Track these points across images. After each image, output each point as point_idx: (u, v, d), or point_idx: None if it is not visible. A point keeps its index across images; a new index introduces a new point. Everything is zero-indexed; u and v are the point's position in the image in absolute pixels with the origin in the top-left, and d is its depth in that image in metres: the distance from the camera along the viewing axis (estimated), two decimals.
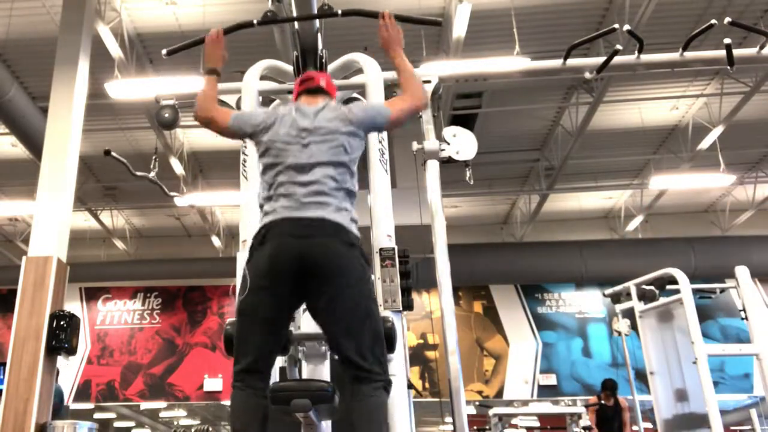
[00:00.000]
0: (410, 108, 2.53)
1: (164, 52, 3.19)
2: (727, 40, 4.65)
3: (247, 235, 3.30)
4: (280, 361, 3.51)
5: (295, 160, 2.37)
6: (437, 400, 10.65)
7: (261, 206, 2.41)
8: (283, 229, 2.26)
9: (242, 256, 3.12)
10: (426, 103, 2.60)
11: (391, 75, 4.49)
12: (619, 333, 7.27)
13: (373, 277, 2.36)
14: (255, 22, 3.14)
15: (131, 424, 19.67)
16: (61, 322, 5.67)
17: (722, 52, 4.70)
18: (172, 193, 6.80)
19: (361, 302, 2.24)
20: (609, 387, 7.94)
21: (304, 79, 2.65)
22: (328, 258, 2.21)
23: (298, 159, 2.37)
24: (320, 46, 4.03)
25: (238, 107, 4.08)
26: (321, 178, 2.33)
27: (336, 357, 2.31)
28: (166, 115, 5.11)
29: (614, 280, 7.64)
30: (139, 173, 5.77)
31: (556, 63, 5.05)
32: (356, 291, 2.23)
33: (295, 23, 3.89)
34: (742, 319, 5.67)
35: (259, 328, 2.25)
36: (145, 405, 14.86)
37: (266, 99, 4.21)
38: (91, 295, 13.52)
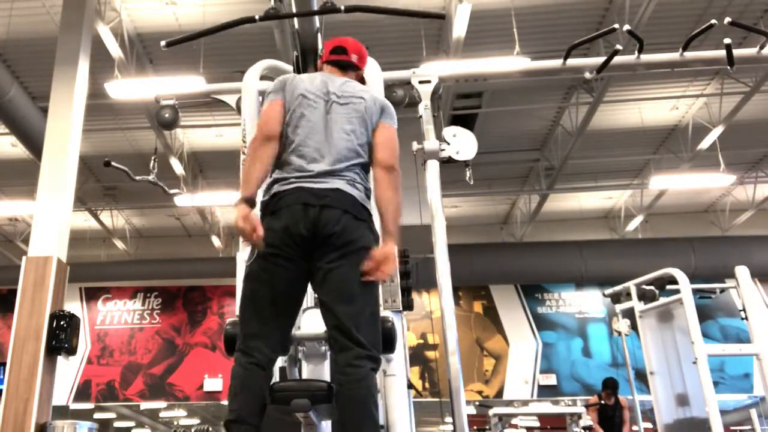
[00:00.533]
0: (393, 154, 2.35)
1: (163, 43, 3.18)
2: (727, 40, 4.65)
3: None
4: (279, 361, 3.51)
5: (317, 120, 2.31)
6: (437, 400, 10.66)
7: (274, 165, 2.30)
8: (297, 198, 2.18)
9: (242, 256, 3.12)
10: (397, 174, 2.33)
11: (391, 75, 4.50)
12: (619, 333, 7.26)
13: None
14: (257, 17, 3.13)
15: (131, 424, 19.67)
16: (61, 322, 5.67)
17: (722, 52, 4.70)
18: (173, 191, 6.79)
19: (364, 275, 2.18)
20: (610, 386, 7.93)
21: (336, 48, 2.55)
22: (341, 228, 2.15)
23: (321, 120, 2.31)
24: (320, 46, 4.03)
25: (238, 107, 4.07)
26: (339, 146, 2.27)
27: (328, 329, 2.19)
28: (166, 115, 5.11)
29: (614, 280, 7.65)
30: (138, 177, 5.77)
31: (556, 63, 5.05)
32: (361, 264, 2.16)
33: (296, 23, 3.89)
34: (742, 319, 5.67)
35: (268, 294, 2.17)
36: (145, 405, 14.86)
37: None
38: (91, 295, 13.52)
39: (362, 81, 2.64)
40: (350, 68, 2.54)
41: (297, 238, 2.14)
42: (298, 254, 2.16)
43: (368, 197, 2.29)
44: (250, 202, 2.21)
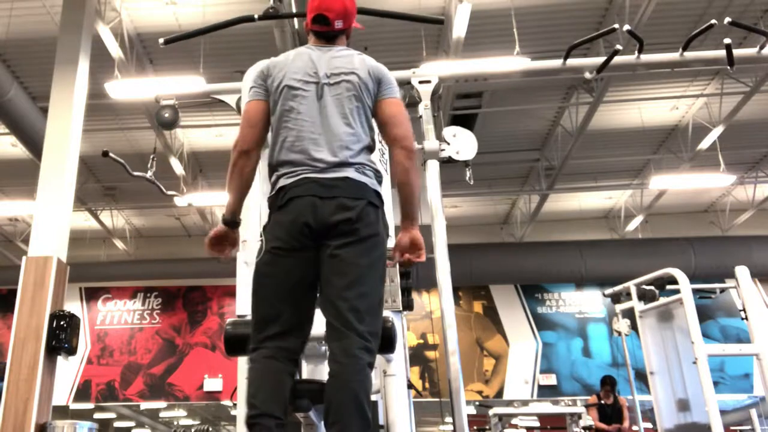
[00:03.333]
0: (407, 130, 2.22)
1: (162, 41, 3.18)
2: (727, 40, 4.65)
3: (247, 235, 3.29)
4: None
5: (308, 110, 2.16)
6: (437, 400, 10.65)
7: (272, 165, 2.18)
8: (305, 189, 2.07)
9: (242, 257, 3.12)
10: (412, 147, 2.20)
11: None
12: (619, 333, 7.26)
13: (387, 244, 2.14)
14: (256, 17, 3.13)
15: (131, 424, 19.67)
16: (61, 322, 5.67)
17: (722, 52, 4.70)
18: (170, 193, 6.79)
19: (375, 263, 2.08)
20: (608, 383, 7.93)
21: (317, 17, 2.30)
22: (354, 215, 2.04)
23: (313, 107, 2.17)
24: None
25: (238, 107, 4.07)
26: (339, 132, 2.13)
27: (326, 317, 2.07)
28: (166, 115, 5.11)
29: (614, 280, 7.65)
30: (136, 173, 5.77)
31: (556, 63, 5.05)
32: (373, 251, 2.07)
33: (296, 23, 3.89)
34: (742, 319, 5.67)
35: (280, 288, 2.06)
36: (145, 405, 14.87)
37: None
38: (91, 295, 13.52)
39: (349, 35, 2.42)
40: (337, 37, 2.34)
41: (305, 229, 2.03)
42: (307, 245, 2.05)
43: (379, 181, 2.19)
44: (229, 223, 2.22)
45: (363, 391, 1.94)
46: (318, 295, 2.11)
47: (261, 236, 2.15)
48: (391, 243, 2.27)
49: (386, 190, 3.42)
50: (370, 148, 2.21)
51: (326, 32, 2.31)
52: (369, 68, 2.24)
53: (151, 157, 5.94)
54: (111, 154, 5.58)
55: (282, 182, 2.12)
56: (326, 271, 2.05)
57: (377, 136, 2.34)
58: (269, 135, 2.22)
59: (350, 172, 2.10)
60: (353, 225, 2.03)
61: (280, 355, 2.02)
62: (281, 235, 2.06)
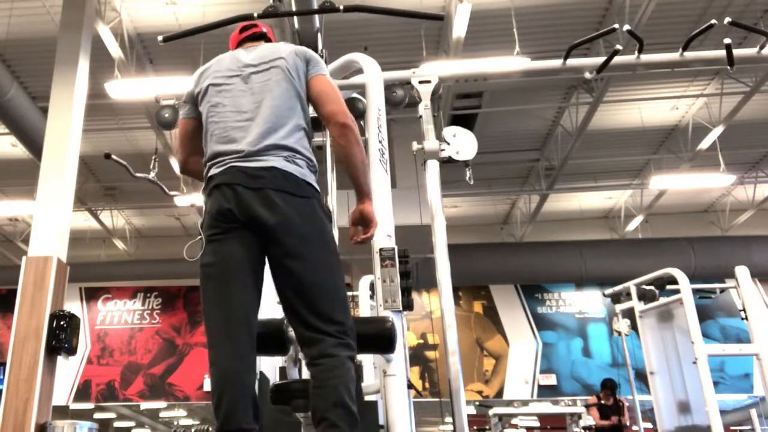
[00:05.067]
0: (339, 102, 2.16)
1: (160, 38, 3.18)
2: (727, 40, 4.65)
3: None
4: (279, 361, 3.51)
5: (233, 101, 2.15)
6: (437, 400, 10.65)
7: (205, 162, 2.16)
8: (230, 178, 2.02)
9: None
10: (348, 122, 2.13)
11: (391, 75, 4.50)
12: (619, 333, 7.27)
13: (334, 231, 2.13)
14: (255, 15, 3.13)
15: (131, 424, 19.67)
16: (61, 322, 5.67)
17: (722, 52, 4.71)
18: (172, 193, 6.79)
19: (321, 258, 2.00)
20: (609, 386, 7.95)
21: (245, 26, 2.43)
22: (281, 212, 1.96)
23: (239, 96, 2.15)
24: (320, 45, 4.04)
25: None
26: (268, 118, 2.08)
27: (292, 325, 2.03)
28: (166, 115, 5.12)
29: (614, 280, 7.65)
30: (138, 174, 5.77)
31: (556, 63, 5.05)
32: (314, 247, 1.99)
33: (296, 23, 3.89)
34: (742, 319, 5.68)
35: (220, 273, 1.99)
36: (145, 405, 14.86)
37: None
38: (91, 295, 13.52)
39: None
40: (263, 38, 2.40)
41: (229, 216, 1.99)
42: (236, 227, 1.99)
43: (312, 169, 2.11)
44: None
45: (343, 384, 1.88)
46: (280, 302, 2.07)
47: (200, 234, 2.09)
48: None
49: (384, 198, 3.42)
50: (304, 132, 2.14)
51: (253, 34, 2.39)
52: (295, 50, 2.23)
53: (153, 158, 5.94)
54: (113, 157, 5.58)
55: (211, 172, 2.10)
56: (279, 281, 2.01)
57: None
58: (203, 126, 2.21)
59: (278, 162, 2.03)
60: (289, 224, 1.97)
61: (238, 352, 1.94)
62: (211, 222, 2.04)
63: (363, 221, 2.17)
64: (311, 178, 2.08)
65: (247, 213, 1.98)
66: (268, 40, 2.41)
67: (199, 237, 2.09)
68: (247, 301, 2.00)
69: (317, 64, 2.23)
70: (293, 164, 2.05)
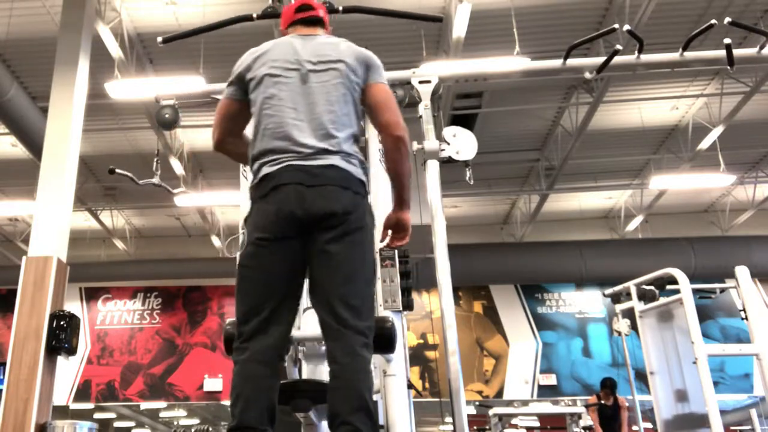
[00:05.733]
0: (395, 113, 2.15)
1: (160, 39, 3.17)
2: (727, 40, 4.65)
3: None
4: (283, 363, 3.51)
5: (291, 96, 2.10)
6: (437, 400, 10.65)
7: (254, 155, 2.11)
8: (289, 177, 1.99)
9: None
10: (404, 135, 2.13)
11: (391, 75, 4.50)
12: (619, 333, 7.26)
13: (374, 234, 2.10)
14: (255, 16, 3.13)
15: (131, 424, 19.68)
16: (61, 322, 5.67)
17: (722, 52, 4.70)
18: (177, 190, 6.79)
19: (366, 257, 2.02)
20: (608, 386, 7.94)
21: (301, 6, 2.32)
22: (341, 207, 1.97)
23: (297, 93, 2.11)
24: None
25: None
26: (324, 123, 2.06)
27: (319, 316, 2.00)
28: (166, 115, 5.12)
29: (614, 280, 7.64)
30: (142, 182, 5.77)
31: (556, 63, 5.05)
32: (360, 242, 2.00)
33: None
34: (742, 319, 5.67)
35: (264, 281, 1.97)
36: (145, 405, 14.87)
37: None
38: (91, 295, 13.52)
39: None
40: (319, 24, 2.32)
41: (290, 219, 1.96)
42: (292, 235, 1.97)
43: (364, 170, 2.13)
44: None
45: (367, 390, 1.88)
46: (309, 292, 2.04)
47: (242, 228, 2.07)
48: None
49: (384, 198, 3.42)
50: (356, 137, 2.14)
51: (310, 17, 2.30)
52: (356, 54, 2.19)
53: (155, 160, 5.94)
54: (118, 171, 5.58)
55: (265, 170, 2.04)
56: (317, 267, 1.99)
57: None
58: (252, 126, 2.16)
59: (336, 160, 2.03)
60: (342, 218, 1.96)
61: (262, 356, 1.93)
62: (265, 224, 1.98)
63: (398, 228, 2.22)
64: (365, 179, 2.11)
65: (309, 210, 1.96)
66: (323, 25, 2.34)
67: (243, 232, 2.06)
68: (286, 310, 2.01)
69: (377, 71, 2.21)
70: (350, 164, 2.06)
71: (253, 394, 1.89)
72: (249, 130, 2.23)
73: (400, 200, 2.19)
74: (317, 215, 1.96)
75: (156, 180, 5.72)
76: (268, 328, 1.96)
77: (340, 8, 2.97)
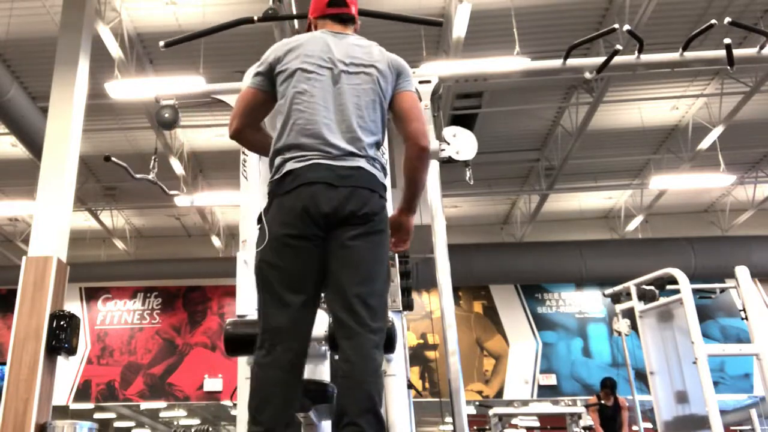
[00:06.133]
0: (422, 123, 2.16)
1: (162, 44, 3.18)
2: (727, 40, 4.65)
3: (247, 234, 3.29)
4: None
5: (323, 94, 2.07)
6: (437, 400, 10.66)
7: (279, 149, 2.05)
8: (318, 176, 1.96)
9: (242, 256, 3.12)
10: (426, 144, 2.15)
11: None
12: (619, 333, 7.27)
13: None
14: (255, 18, 3.13)
15: (131, 424, 19.67)
16: (61, 322, 5.67)
17: (722, 52, 4.70)
18: (173, 192, 6.79)
19: (384, 259, 2.02)
20: (608, 386, 7.94)
21: (334, 1, 2.26)
22: (368, 209, 1.97)
23: (328, 92, 2.08)
24: None
25: None
26: (353, 122, 2.05)
27: (334, 312, 1.98)
28: (166, 115, 5.11)
29: (614, 280, 7.65)
30: (138, 176, 5.76)
31: (556, 63, 5.05)
32: (380, 243, 2.00)
33: (296, 23, 3.89)
34: (742, 319, 5.67)
35: (289, 279, 1.93)
36: (145, 405, 14.87)
37: None
38: (91, 295, 13.52)
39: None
40: (351, 22, 2.28)
41: (317, 217, 1.93)
42: (317, 233, 1.94)
43: (386, 175, 2.15)
44: None
45: (377, 392, 1.85)
46: (325, 289, 2.01)
47: (260, 222, 2.04)
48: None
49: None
50: (379, 144, 2.14)
51: (343, 14, 2.26)
52: (389, 61, 2.19)
53: (153, 158, 5.93)
54: (113, 159, 5.58)
55: (290, 165, 2.00)
56: (337, 263, 1.95)
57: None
58: (278, 119, 2.11)
59: (363, 163, 2.02)
60: (368, 218, 1.97)
61: (288, 360, 1.90)
62: (290, 220, 1.94)
63: (401, 231, 2.24)
64: (387, 183, 2.16)
65: (336, 209, 1.94)
66: (354, 22, 2.30)
67: (259, 227, 2.04)
68: (308, 311, 1.99)
69: (407, 79, 2.21)
70: (375, 168, 2.06)
71: (279, 401, 1.85)
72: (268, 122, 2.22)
73: (409, 205, 2.21)
74: (345, 215, 1.95)
75: (152, 176, 5.71)
76: (294, 331, 1.93)
77: None
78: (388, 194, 2.28)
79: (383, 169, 2.12)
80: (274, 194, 2.02)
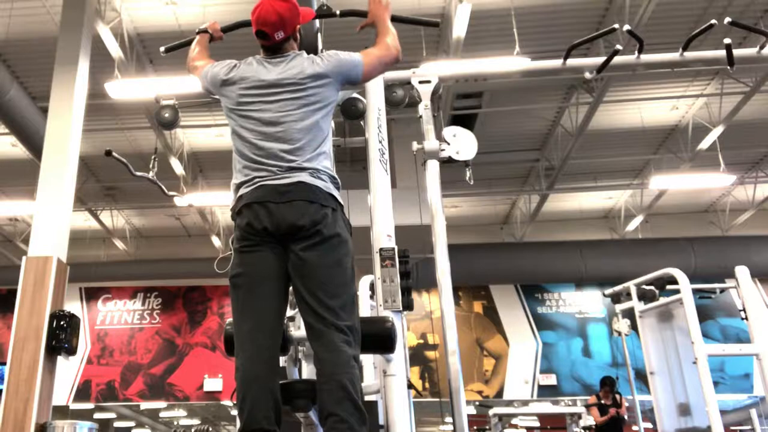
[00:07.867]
0: (385, 57, 2.39)
1: (162, 49, 3.18)
2: (727, 40, 4.65)
3: None
4: (279, 362, 3.50)
5: (261, 117, 2.24)
6: (437, 400, 10.66)
7: (235, 183, 2.25)
8: (258, 196, 2.14)
9: None
10: (398, 55, 2.41)
11: (391, 75, 4.50)
12: (619, 333, 7.28)
13: (350, 242, 2.20)
14: None
15: (131, 424, 19.67)
16: (61, 322, 5.67)
17: (722, 52, 4.71)
18: (171, 193, 6.79)
19: (341, 261, 2.12)
20: (608, 384, 7.94)
21: (258, 33, 2.37)
22: (309, 220, 2.10)
23: (264, 119, 2.23)
24: (320, 45, 4.03)
25: None
26: (295, 138, 2.19)
27: (303, 318, 2.13)
28: (166, 115, 5.12)
29: (614, 280, 7.65)
30: (138, 173, 5.77)
31: (556, 63, 5.05)
32: (332, 247, 2.11)
33: None
34: (742, 319, 5.68)
35: (251, 283, 2.11)
36: (145, 405, 14.86)
37: None
38: (91, 295, 13.52)
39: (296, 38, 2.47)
40: (282, 46, 2.37)
41: (264, 232, 2.11)
42: (269, 241, 2.12)
43: (336, 186, 2.24)
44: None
45: (350, 382, 1.94)
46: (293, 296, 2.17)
47: (230, 248, 2.22)
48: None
49: (384, 198, 3.42)
50: (325, 155, 2.26)
51: (270, 46, 2.37)
52: (323, 66, 2.30)
53: (153, 157, 5.94)
54: (114, 154, 5.58)
55: (241, 191, 2.20)
56: (296, 273, 2.11)
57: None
58: (233, 154, 2.31)
59: (304, 176, 2.16)
60: (311, 229, 2.10)
61: (261, 356, 2.05)
62: (242, 236, 2.15)
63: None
64: (335, 192, 2.22)
65: (278, 224, 2.10)
66: (288, 39, 2.39)
67: (229, 252, 2.23)
68: (272, 310, 2.13)
69: (351, 61, 2.34)
70: (318, 179, 2.18)
71: (258, 395, 1.98)
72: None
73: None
74: (286, 228, 2.10)
75: (151, 175, 5.71)
76: (263, 328, 2.08)
77: (338, 12, 2.97)
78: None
79: (332, 179, 2.24)
80: (233, 219, 2.23)
